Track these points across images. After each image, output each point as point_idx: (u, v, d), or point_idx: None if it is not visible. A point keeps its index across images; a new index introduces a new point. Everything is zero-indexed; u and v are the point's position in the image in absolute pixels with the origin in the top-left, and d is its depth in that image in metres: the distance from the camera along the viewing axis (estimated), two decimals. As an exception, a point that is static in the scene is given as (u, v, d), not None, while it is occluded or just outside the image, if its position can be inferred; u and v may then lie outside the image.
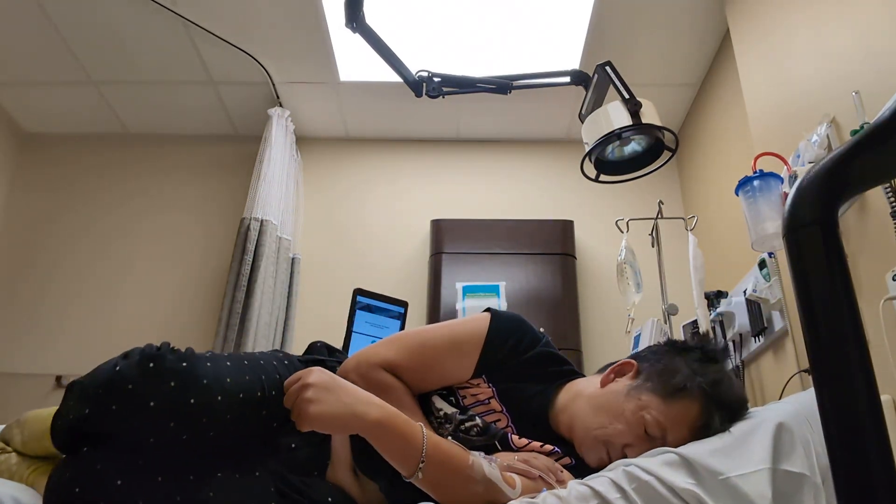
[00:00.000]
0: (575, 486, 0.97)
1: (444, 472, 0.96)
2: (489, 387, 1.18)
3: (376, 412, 0.96)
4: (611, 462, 1.05)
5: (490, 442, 1.11)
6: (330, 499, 1.08)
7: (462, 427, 1.13)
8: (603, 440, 1.09)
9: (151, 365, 0.93)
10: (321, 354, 1.30)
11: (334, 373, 1.23)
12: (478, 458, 0.99)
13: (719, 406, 1.07)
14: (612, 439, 1.09)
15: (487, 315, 1.24)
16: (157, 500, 0.92)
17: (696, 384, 1.08)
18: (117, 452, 0.94)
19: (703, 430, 1.05)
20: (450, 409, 1.15)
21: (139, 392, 0.92)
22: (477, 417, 1.13)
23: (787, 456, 0.95)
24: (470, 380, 1.19)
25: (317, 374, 0.96)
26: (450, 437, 1.09)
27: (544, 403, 1.18)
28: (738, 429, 1.03)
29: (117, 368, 0.93)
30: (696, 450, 0.98)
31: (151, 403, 0.92)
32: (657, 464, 0.96)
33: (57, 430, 0.99)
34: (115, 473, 0.91)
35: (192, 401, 0.94)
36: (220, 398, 0.98)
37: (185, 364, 0.96)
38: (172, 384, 0.93)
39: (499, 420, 1.16)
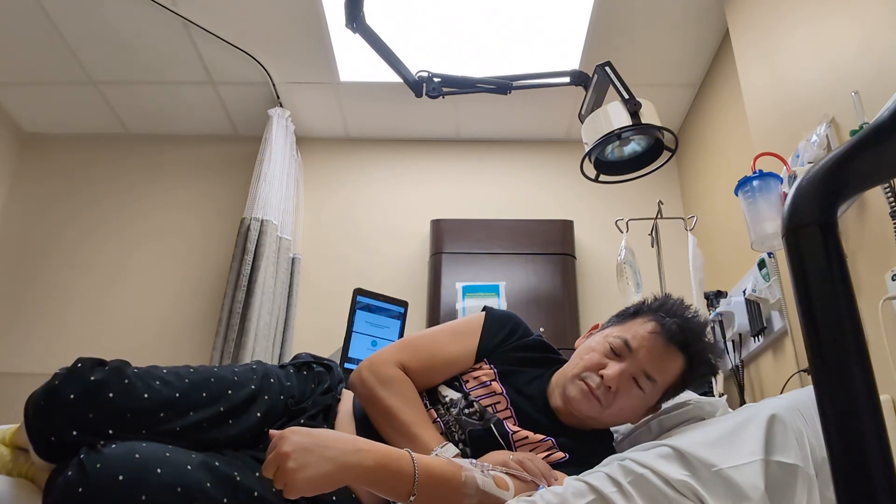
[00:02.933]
0: (571, 482, 0.98)
1: (437, 495, 0.98)
2: (491, 368, 1.29)
3: (365, 460, 0.94)
4: (592, 391, 1.19)
5: (486, 426, 1.19)
6: (334, 497, 1.08)
7: (465, 412, 1.22)
8: (579, 374, 1.22)
9: (79, 365, 1.03)
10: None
11: (324, 377, 1.29)
12: (471, 472, 0.99)
13: (669, 314, 1.25)
14: (587, 369, 1.22)
15: (483, 312, 1.39)
16: (159, 493, 0.93)
17: (646, 305, 1.30)
18: (117, 449, 0.95)
19: (663, 338, 1.21)
20: (455, 395, 1.25)
21: (63, 387, 1.01)
22: (475, 403, 1.22)
23: (780, 447, 0.96)
24: (473, 365, 1.31)
25: (292, 440, 0.91)
26: (454, 420, 1.21)
27: (542, 386, 1.29)
28: (731, 420, 1.04)
29: (56, 372, 1.04)
30: (689, 442, 0.99)
31: (71, 396, 1.00)
32: (651, 457, 0.97)
33: (35, 443, 1.02)
34: (116, 470, 0.92)
35: (110, 395, 1.02)
36: (145, 395, 1.05)
37: (107, 368, 1.05)
38: (92, 378, 1.02)
39: (498, 402, 1.24)
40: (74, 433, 0.99)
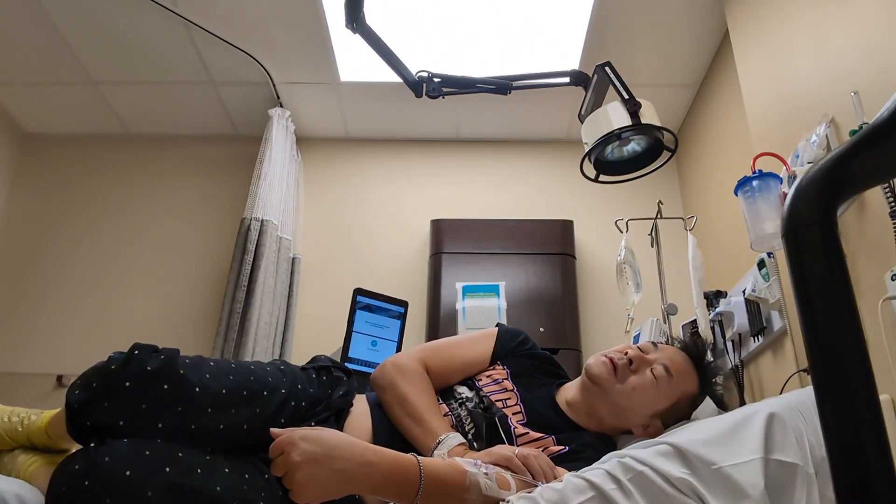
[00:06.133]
0: (570, 479, 0.98)
1: (441, 498, 0.99)
2: (504, 369, 1.41)
3: (374, 473, 0.95)
4: (611, 360, 1.32)
5: (491, 419, 1.27)
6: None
7: (475, 406, 1.32)
8: (603, 352, 1.37)
9: (136, 352, 1.03)
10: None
11: (342, 382, 1.32)
12: (474, 476, 1.01)
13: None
14: (613, 350, 1.36)
15: (496, 327, 1.53)
16: (166, 491, 0.93)
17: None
18: (126, 445, 0.95)
19: (686, 354, 1.39)
20: (469, 393, 1.35)
21: (119, 373, 1.00)
22: (485, 399, 1.32)
23: (780, 446, 0.96)
24: (488, 367, 1.43)
25: (301, 448, 0.91)
26: (467, 413, 1.30)
27: (550, 391, 1.40)
28: (730, 419, 1.04)
29: (111, 355, 1.03)
30: (688, 440, 0.99)
31: (126, 384, 0.99)
32: (651, 454, 0.98)
33: (70, 421, 1.02)
34: (123, 465, 0.92)
35: (165, 386, 1.02)
36: (197, 389, 1.04)
37: (163, 357, 1.04)
38: (149, 368, 1.01)
39: (509, 398, 1.33)
40: (122, 423, 0.98)
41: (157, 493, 0.91)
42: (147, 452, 0.95)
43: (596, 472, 0.98)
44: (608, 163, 1.82)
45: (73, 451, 1.21)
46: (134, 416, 0.99)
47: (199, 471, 0.97)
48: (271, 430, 0.95)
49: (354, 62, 2.77)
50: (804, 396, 1.10)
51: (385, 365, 1.35)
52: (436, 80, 1.95)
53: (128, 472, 0.91)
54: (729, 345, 2.08)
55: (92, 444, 0.95)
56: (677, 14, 2.50)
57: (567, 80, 2.00)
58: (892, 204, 1.28)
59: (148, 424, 0.99)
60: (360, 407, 1.30)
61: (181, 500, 0.93)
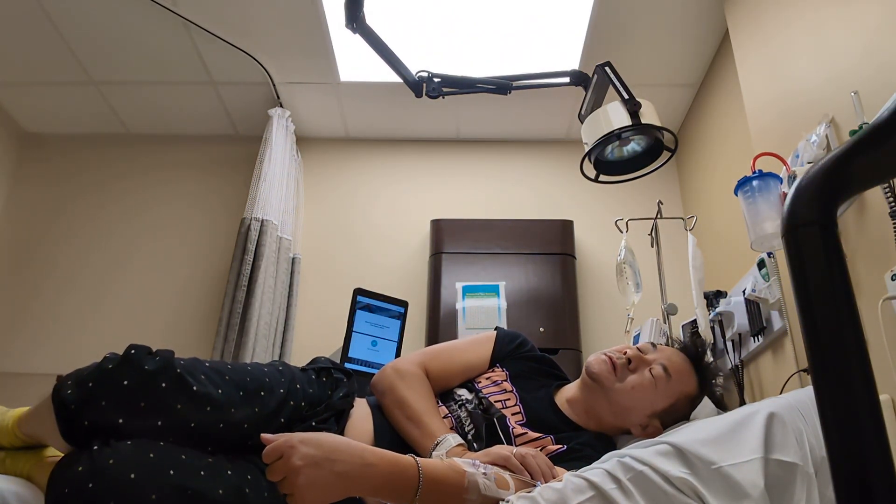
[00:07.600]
0: (570, 478, 0.98)
1: (440, 499, 0.99)
2: (503, 371, 1.42)
3: (373, 475, 0.95)
4: (610, 359, 1.33)
5: (490, 420, 1.27)
6: None
7: (479, 407, 1.32)
8: (603, 350, 1.38)
9: (132, 352, 1.04)
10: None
11: (342, 383, 1.32)
12: (473, 476, 1.01)
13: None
14: (613, 350, 1.37)
15: (495, 330, 1.54)
16: (170, 493, 0.93)
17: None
18: (130, 447, 0.96)
19: (685, 354, 1.41)
20: (468, 395, 1.36)
21: (117, 372, 1.01)
22: (484, 400, 1.33)
23: (780, 446, 0.96)
24: (487, 369, 1.44)
25: (301, 452, 0.90)
26: (466, 414, 1.30)
27: (549, 392, 1.41)
28: (730, 418, 1.04)
29: (106, 356, 1.04)
30: (688, 440, 0.99)
31: (125, 382, 1.00)
32: (651, 454, 0.97)
33: (65, 421, 1.01)
34: (128, 467, 0.92)
35: (163, 384, 1.02)
36: (195, 388, 1.05)
37: (159, 357, 1.05)
38: (146, 367, 1.02)
39: (508, 399, 1.34)
40: (121, 420, 0.98)
41: (161, 496, 0.92)
42: (151, 455, 0.95)
43: (596, 471, 0.98)
44: (608, 163, 1.82)
45: (49, 445, 1.20)
46: (132, 415, 0.99)
47: (202, 473, 0.98)
48: (262, 435, 0.93)
49: (354, 62, 2.77)
50: (804, 396, 1.10)
51: (385, 370, 1.36)
52: (436, 80, 1.95)
53: (132, 475, 0.91)
54: (729, 345, 2.08)
55: (95, 447, 0.94)
56: (677, 14, 2.50)
57: (567, 80, 2.00)
58: (892, 204, 1.28)
59: (147, 423, 1.00)
60: (361, 409, 1.31)
61: (185, 503, 0.93)
